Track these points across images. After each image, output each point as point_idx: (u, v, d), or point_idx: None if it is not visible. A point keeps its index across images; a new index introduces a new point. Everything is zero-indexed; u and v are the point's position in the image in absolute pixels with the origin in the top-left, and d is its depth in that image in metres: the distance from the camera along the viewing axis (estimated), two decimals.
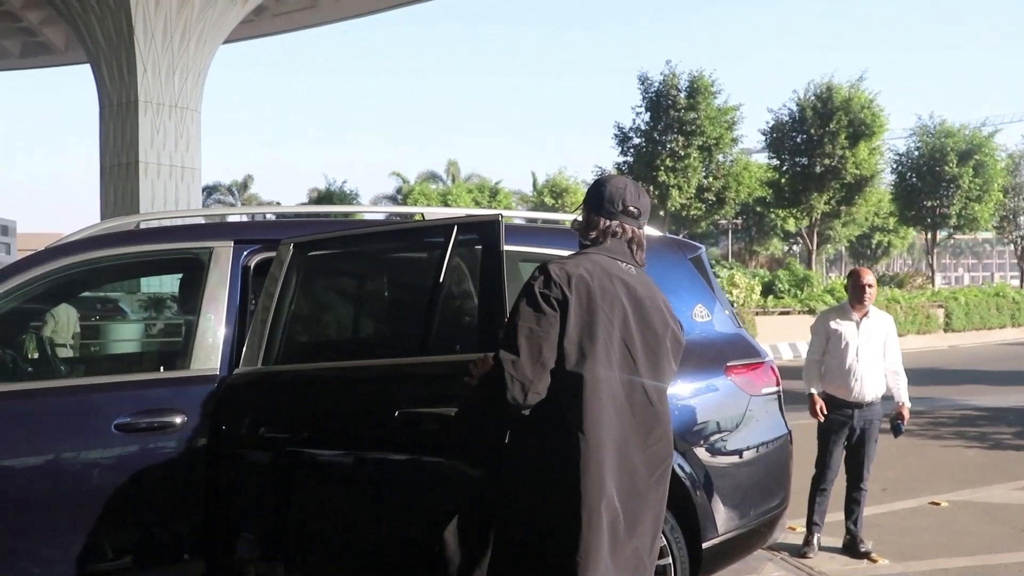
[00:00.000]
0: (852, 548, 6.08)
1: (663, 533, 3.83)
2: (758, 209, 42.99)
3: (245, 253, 3.98)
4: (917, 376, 17.86)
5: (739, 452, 4.29)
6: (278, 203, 51.27)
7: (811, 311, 23.75)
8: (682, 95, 30.92)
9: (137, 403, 3.61)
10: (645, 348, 2.94)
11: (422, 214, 4.57)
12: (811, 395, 6.22)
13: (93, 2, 23.54)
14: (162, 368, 4.49)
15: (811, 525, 6.18)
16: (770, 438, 4.45)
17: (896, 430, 6.29)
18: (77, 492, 3.52)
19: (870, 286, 6.14)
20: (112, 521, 3.53)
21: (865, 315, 6.18)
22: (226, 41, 28.20)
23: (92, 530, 3.49)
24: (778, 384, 4.56)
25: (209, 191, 58.71)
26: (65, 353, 6.95)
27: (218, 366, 3.74)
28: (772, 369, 4.56)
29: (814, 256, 37.43)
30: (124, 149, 24.51)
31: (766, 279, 28.39)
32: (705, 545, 4.09)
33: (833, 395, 6.17)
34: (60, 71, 41.48)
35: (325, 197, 48.31)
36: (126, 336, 9.95)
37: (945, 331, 28.42)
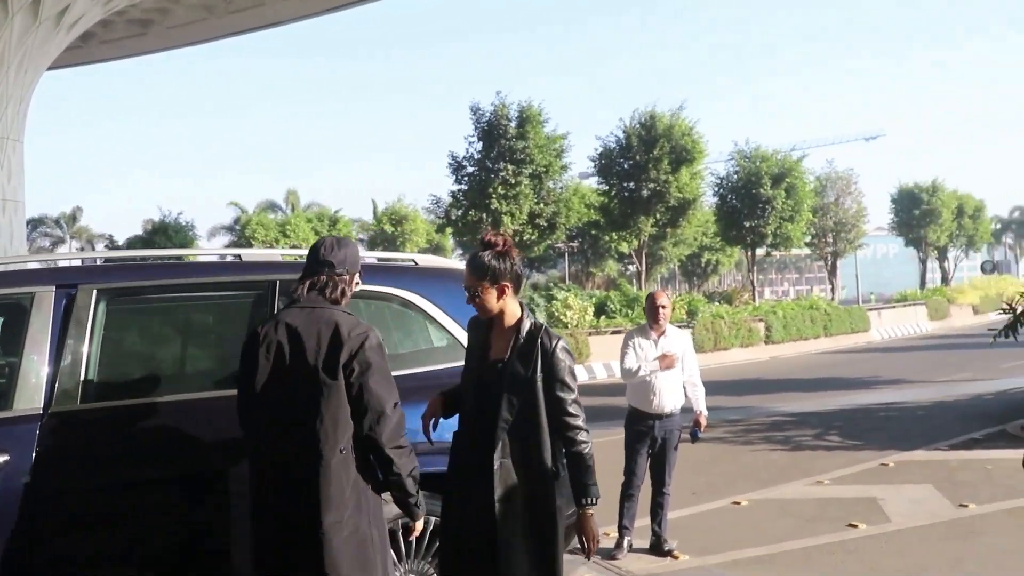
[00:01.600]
0: (657, 548, 6.66)
1: None
2: (593, 232, 44.41)
3: (65, 298, 4.21)
4: (739, 387, 19.16)
5: None
6: (110, 236, 49.71)
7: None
8: (512, 124, 31.86)
9: None
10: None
11: (239, 255, 4.94)
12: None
13: None
14: None
15: (621, 529, 6.71)
16: None
17: (693, 436, 6.93)
18: None
19: (663, 307, 6.76)
20: None
21: (662, 333, 6.79)
22: (51, 67, 27.40)
23: None
24: None
25: (35, 224, 56.39)
26: None
27: (41, 405, 3.95)
28: None
29: (643, 276, 39.01)
30: None
31: (598, 300, 29.44)
32: None
33: (636, 407, 6.76)
34: None
35: (160, 229, 47.07)
36: None
37: (766, 343, 30.07)
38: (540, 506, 3.60)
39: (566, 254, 57.63)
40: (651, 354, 6.71)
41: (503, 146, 31.76)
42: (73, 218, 62.44)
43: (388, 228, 55.57)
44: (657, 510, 6.75)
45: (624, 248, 39.85)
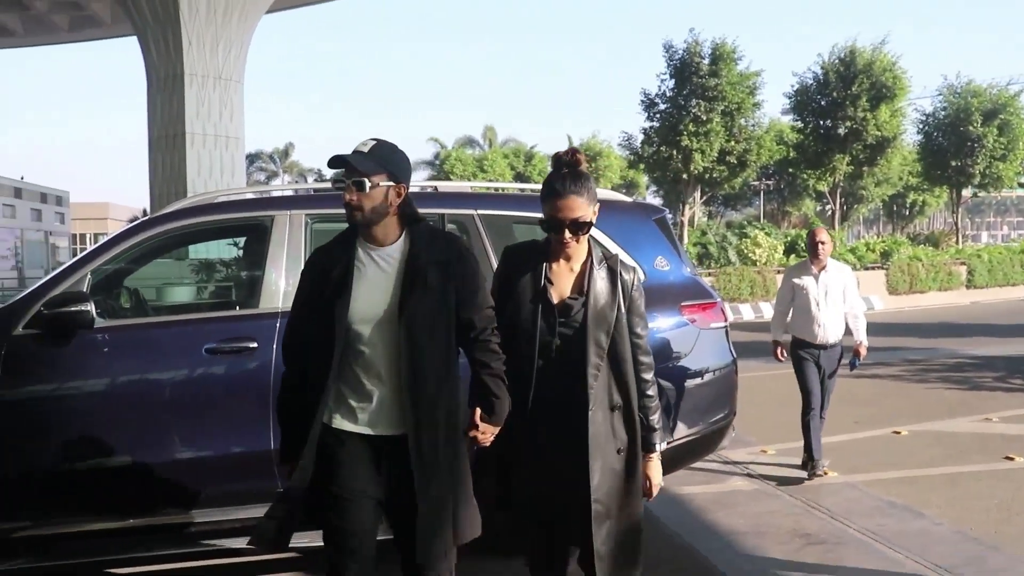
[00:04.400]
0: (808, 466, 7.04)
1: None
2: (789, 171, 43.57)
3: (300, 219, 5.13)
4: (929, 330, 18.88)
5: (689, 374, 5.38)
6: (318, 170, 52.46)
7: None
8: (705, 62, 31.63)
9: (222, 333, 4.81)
10: None
11: None
12: (773, 342, 7.36)
13: None
14: (237, 307, 5.63)
15: (809, 447, 7.03)
16: (717, 364, 5.52)
17: (852, 365, 7.34)
18: (177, 399, 4.69)
19: (822, 243, 7.11)
20: (202, 418, 4.70)
21: (823, 268, 7.15)
22: (268, 11, 29.21)
23: (185, 422, 4.68)
24: (726, 320, 5.63)
25: (251, 159, 60.06)
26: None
27: (280, 305, 4.86)
28: (722, 309, 5.64)
29: (837, 216, 38.12)
30: (171, 121, 25.56)
31: (790, 239, 29.20)
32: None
33: (801, 338, 7.18)
34: (106, 44, 42.94)
35: None
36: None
37: (968, 287, 29.11)
38: (634, 460, 3.38)
39: (761, 192, 56.71)
40: (812, 289, 7.10)
41: (695, 83, 31.62)
42: (285, 153, 66.17)
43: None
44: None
45: (822, 187, 38.92)
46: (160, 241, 5.08)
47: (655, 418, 3.43)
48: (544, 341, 3.32)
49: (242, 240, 6.28)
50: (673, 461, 5.33)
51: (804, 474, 6.98)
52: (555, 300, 3.34)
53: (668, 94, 32.76)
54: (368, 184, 3.14)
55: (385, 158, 3.20)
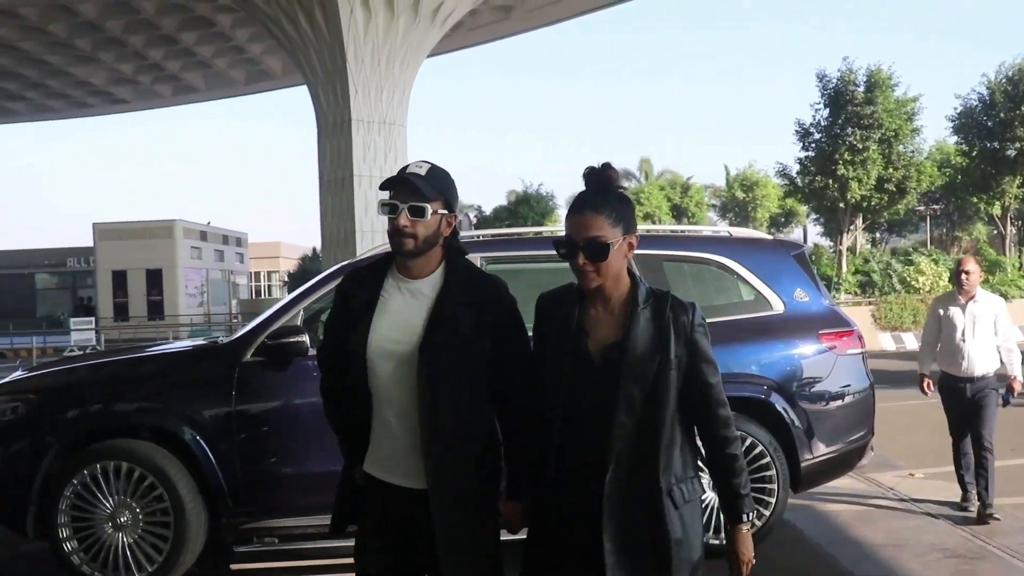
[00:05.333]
0: (980, 514, 6.70)
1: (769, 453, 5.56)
2: (958, 195, 42.27)
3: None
4: None
5: (827, 396, 5.88)
6: (478, 207, 53.96)
7: (1004, 296, 23.94)
8: (860, 90, 31.35)
9: None
10: None
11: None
12: (920, 375, 7.37)
13: (311, 35, 26.21)
14: None
15: (963, 483, 7.11)
16: (854, 387, 6.03)
17: (1004, 401, 7.14)
18: None
19: (967, 273, 7.07)
20: None
21: (971, 299, 7.09)
22: (428, 56, 30.59)
23: None
24: (863, 347, 6.08)
25: None
26: None
27: None
28: (859, 337, 6.08)
29: (1008, 241, 36.80)
30: (340, 164, 26.95)
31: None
32: (802, 464, 5.73)
33: (947, 371, 7.14)
34: (277, 94, 45.93)
35: (523, 199, 50.60)
36: None
37: None
38: (666, 547, 2.73)
39: (927, 218, 55.01)
40: (958, 320, 7.02)
41: (850, 112, 31.38)
42: None
43: (739, 194, 55.75)
44: (980, 471, 6.82)
45: (994, 210, 37.58)
46: None
47: (739, 482, 2.81)
48: (577, 402, 2.79)
49: None
50: (813, 476, 5.87)
51: (950, 497, 7.16)
52: (592, 351, 2.80)
53: (823, 123, 32.61)
54: (428, 210, 2.89)
55: (442, 184, 2.97)
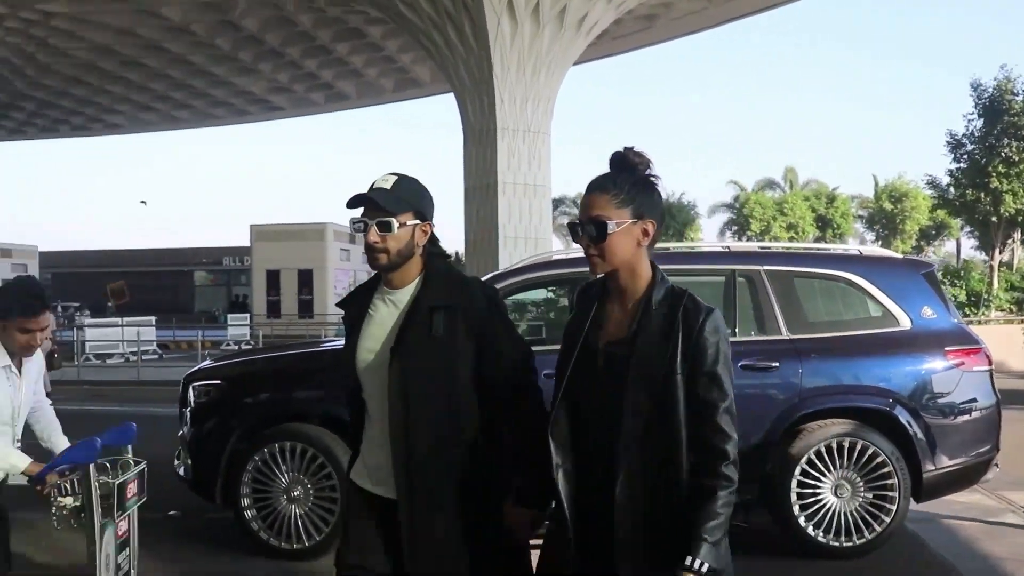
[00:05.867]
0: None
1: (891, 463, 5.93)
2: None
3: None
4: None
5: (952, 411, 6.11)
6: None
7: None
8: (1018, 99, 30.20)
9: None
10: None
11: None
12: None
13: (458, 45, 26.97)
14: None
15: None
16: (980, 403, 6.24)
17: None
18: None
19: None
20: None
21: None
22: (573, 64, 31.03)
23: None
24: (990, 364, 6.27)
25: (556, 204, 62.87)
26: None
27: None
28: (986, 355, 6.29)
29: None
30: (484, 172, 27.52)
31: None
32: (924, 475, 6.00)
33: None
34: (425, 101, 47.19)
35: (664, 209, 50.68)
36: None
37: None
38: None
39: None
40: None
41: (1006, 122, 30.31)
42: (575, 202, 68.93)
43: (887, 206, 54.31)
44: None
45: None
46: (505, 290, 6.49)
47: (709, 525, 2.42)
48: (584, 401, 2.67)
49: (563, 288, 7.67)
50: (936, 487, 6.14)
51: None
52: (600, 347, 2.67)
53: (976, 134, 31.60)
54: (395, 224, 2.85)
55: (410, 194, 2.93)
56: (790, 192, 58.74)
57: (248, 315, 35.20)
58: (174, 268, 57.94)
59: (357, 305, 3.10)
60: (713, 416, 2.49)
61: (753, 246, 7.53)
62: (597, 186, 2.62)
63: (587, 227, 2.60)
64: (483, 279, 6.68)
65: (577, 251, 10.25)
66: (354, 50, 37.73)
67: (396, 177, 2.92)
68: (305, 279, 41.79)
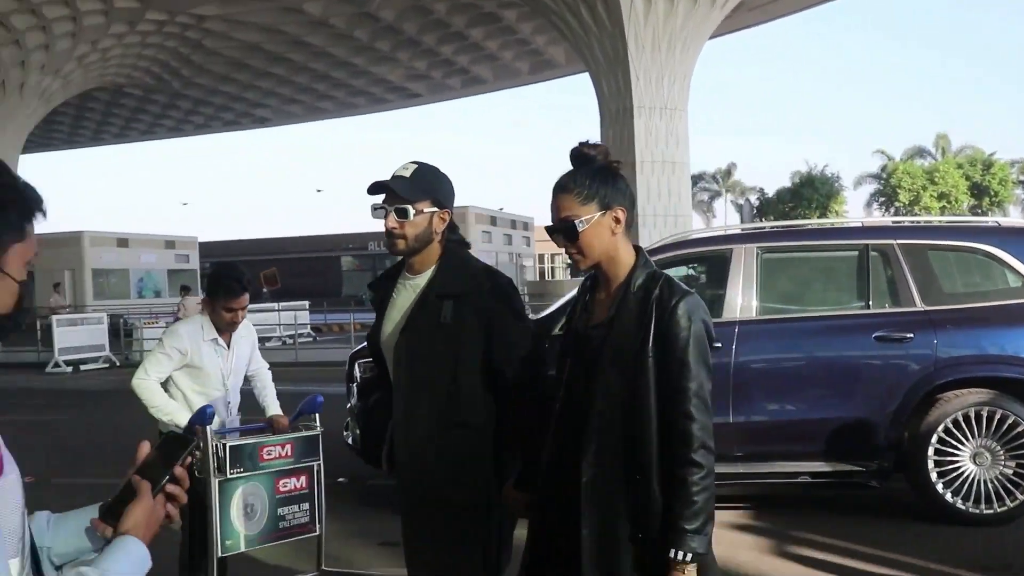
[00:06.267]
0: None
1: None
2: None
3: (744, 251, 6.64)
4: None
5: None
6: (761, 189, 53.34)
7: None
8: None
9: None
10: None
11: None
12: None
13: (592, 25, 27.04)
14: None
15: None
16: None
17: None
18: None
19: None
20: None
21: None
22: (709, 38, 30.73)
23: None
24: None
25: (695, 180, 62.33)
26: None
27: (737, 317, 6.47)
28: None
29: None
30: (622, 150, 27.39)
31: None
32: None
33: None
34: (560, 82, 47.27)
35: (807, 181, 49.60)
36: None
37: None
38: (654, 548, 2.48)
39: None
40: None
41: None
42: (728, 173, 67.79)
43: None
44: None
45: None
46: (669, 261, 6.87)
47: (680, 512, 2.42)
48: (570, 384, 2.73)
49: (703, 265, 7.95)
50: None
51: None
52: (585, 333, 2.73)
53: None
54: (412, 211, 2.96)
55: (428, 182, 3.03)
56: (941, 160, 56.58)
57: None
58: (322, 254, 59.81)
59: (383, 289, 3.23)
60: (682, 402, 2.47)
61: (886, 221, 7.67)
62: (560, 187, 2.65)
63: (557, 229, 2.65)
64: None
65: (718, 227, 10.50)
66: (489, 35, 38.28)
67: (415, 165, 3.04)
68: None
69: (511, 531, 3.14)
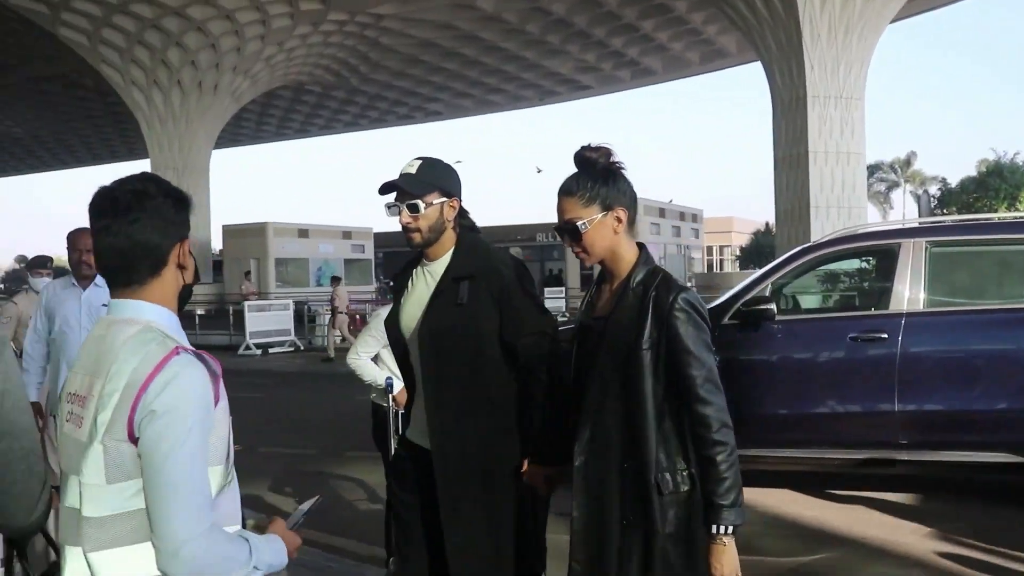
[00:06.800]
0: None
1: None
2: None
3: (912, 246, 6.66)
4: None
5: None
6: (943, 179, 51.13)
7: None
8: None
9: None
10: None
11: None
12: None
13: (765, 14, 26.62)
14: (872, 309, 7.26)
15: None
16: None
17: None
18: (828, 370, 6.62)
19: None
20: (842, 384, 6.52)
21: None
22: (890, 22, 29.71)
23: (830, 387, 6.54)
24: None
25: (871, 170, 60.28)
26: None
27: (904, 309, 6.46)
28: None
29: None
30: (795, 141, 27.06)
31: None
32: None
33: None
34: (730, 72, 46.41)
35: (994, 170, 47.17)
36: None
37: None
38: (639, 534, 2.65)
39: None
40: None
41: None
42: (907, 163, 65.21)
43: None
44: None
45: None
46: (817, 260, 7.06)
47: (713, 489, 2.59)
48: (576, 373, 2.89)
49: (872, 259, 7.97)
50: None
51: None
52: (589, 325, 2.90)
53: None
54: (422, 205, 3.10)
55: (434, 175, 3.16)
56: None
57: (563, 288, 36.66)
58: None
59: (402, 277, 3.37)
60: (695, 388, 2.61)
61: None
62: (564, 191, 2.81)
63: (563, 230, 2.81)
64: (795, 251, 7.20)
65: (889, 222, 10.34)
66: (659, 26, 38.19)
67: (420, 161, 3.17)
68: None
69: (545, 505, 3.28)
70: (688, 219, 45.38)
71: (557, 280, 43.04)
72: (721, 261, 69.68)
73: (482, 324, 3.08)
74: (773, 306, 6.59)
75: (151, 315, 1.98)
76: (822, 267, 7.51)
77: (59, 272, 8.52)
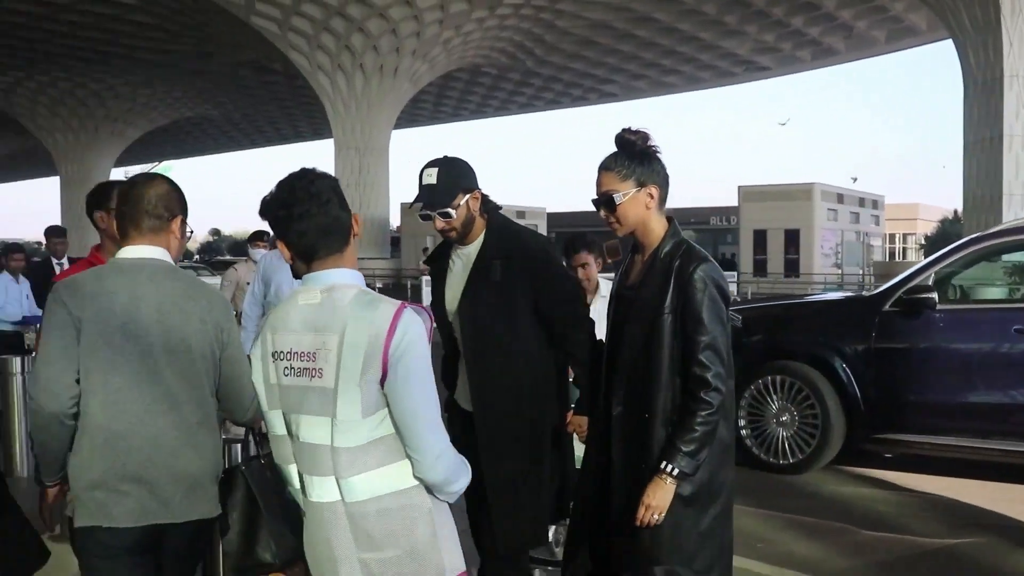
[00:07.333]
0: None
1: None
2: None
3: None
4: None
5: None
6: None
7: None
8: None
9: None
10: None
11: None
12: None
13: None
14: None
15: None
16: None
17: None
18: (989, 361, 6.59)
19: None
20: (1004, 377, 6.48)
21: None
22: None
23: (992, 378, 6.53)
24: None
25: None
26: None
27: None
28: None
29: None
30: (988, 123, 25.62)
31: None
32: None
33: None
34: (919, 51, 43.95)
35: None
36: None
37: None
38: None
39: None
40: None
41: None
42: None
43: None
44: None
45: None
46: (985, 251, 6.94)
47: (682, 435, 2.89)
48: (611, 336, 3.22)
49: None
50: None
51: None
52: (623, 293, 3.23)
53: None
54: (453, 212, 3.34)
55: (453, 180, 3.37)
56: None
57: (735, 273, 36.05)
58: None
59: (440, 262, 3.65)
60: (696, 351, 2.92)
61: None
62: (604, 166, 3.10)
63: (599, 201, 3.10)
64: (963, 240, 7.00)
65: None
66: (843, 3, 36.80)
67: (435, 169, 3.39)
68: (791, 238, 41.60)
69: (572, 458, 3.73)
70: (868, 205, 43.73)
71: (731, 264, 42.35)
72: (904, 249, 66.81)
73: (516, 298, 3.41)
74: (935, 295, 6.53)
75: (352, 278, 2.44)
76: (993, 257, 7.34)
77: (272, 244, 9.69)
